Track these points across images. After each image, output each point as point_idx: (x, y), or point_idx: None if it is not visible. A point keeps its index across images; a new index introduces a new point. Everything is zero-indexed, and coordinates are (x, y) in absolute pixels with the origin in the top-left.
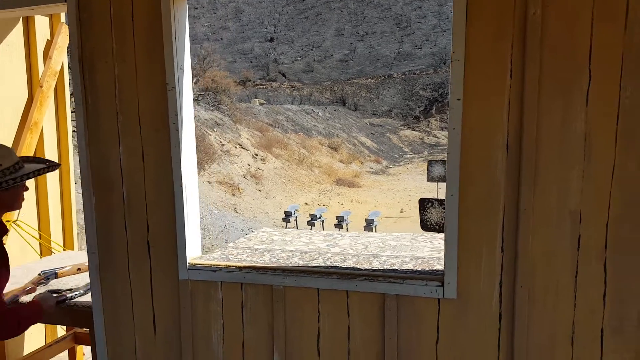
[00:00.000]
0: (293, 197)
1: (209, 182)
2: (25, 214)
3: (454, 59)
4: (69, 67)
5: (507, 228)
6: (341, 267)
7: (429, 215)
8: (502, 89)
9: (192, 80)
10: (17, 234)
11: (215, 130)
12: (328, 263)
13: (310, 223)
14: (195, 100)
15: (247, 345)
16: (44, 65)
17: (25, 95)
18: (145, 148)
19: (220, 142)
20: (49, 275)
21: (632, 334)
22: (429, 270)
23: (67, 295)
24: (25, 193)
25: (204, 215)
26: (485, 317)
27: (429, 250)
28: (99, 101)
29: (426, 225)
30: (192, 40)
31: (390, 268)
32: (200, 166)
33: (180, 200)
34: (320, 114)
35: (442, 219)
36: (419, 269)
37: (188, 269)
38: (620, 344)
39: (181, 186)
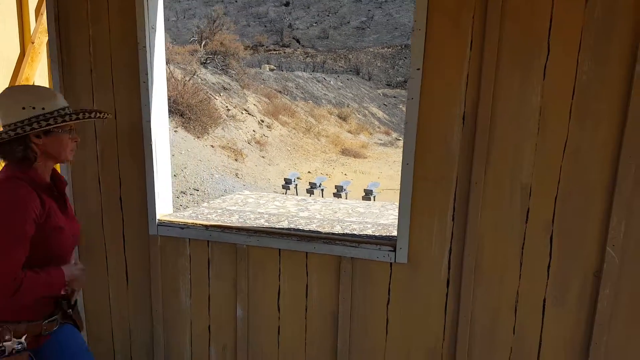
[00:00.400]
0: (297, 165)
1: (212, 146)
2: None
3: (416, 28)
4: None
5: (458, 198)
6: (302, 230)
7: None
8: (461, 60)
9: (201, 44)
10: None
11: (221, 94)
12: (292, 226)
13: (310, 191)
14: (202, 63)
15: (212, 299)
16: (36, 21)
17: (18, 52)
18: (118, 105)
19: (226, 106)
20: None
21: (572, 306)
22: (384, 235)
23: None
24: None
25: (205, 178)
26: (434, 282)
27: (393, 218)
28: (75, 59)
29: None
30: (206, 2)
31: (350, 233)
32: (204, 130)
33: (150, 157)
34: (332, 82)
35: None
36: (377, 234)
37: (157, 224)
38: (561, 314)
39: (150, 144)
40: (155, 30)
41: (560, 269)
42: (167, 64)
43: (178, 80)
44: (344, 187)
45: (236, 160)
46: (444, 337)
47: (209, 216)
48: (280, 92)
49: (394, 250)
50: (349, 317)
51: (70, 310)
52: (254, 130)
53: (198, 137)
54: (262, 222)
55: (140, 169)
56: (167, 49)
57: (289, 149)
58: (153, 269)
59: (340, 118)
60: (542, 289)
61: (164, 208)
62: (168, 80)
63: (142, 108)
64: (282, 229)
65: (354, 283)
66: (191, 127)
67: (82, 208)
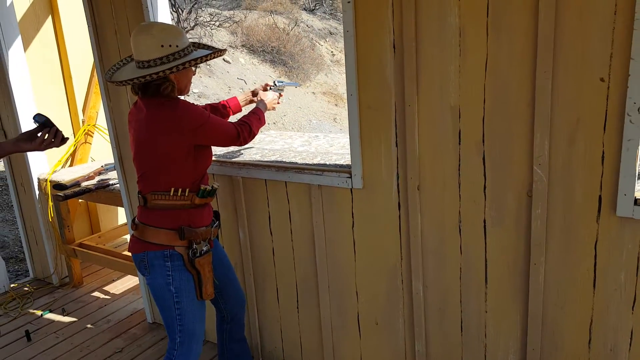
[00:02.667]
0: None
1: (313, 93)
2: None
3: None
4: None
5: (399, 124)
6: (281, 162)
7: None
8: None
9: None
10: (99, 136)
11: (327, 40)
12: (278, 158)
13: None
14: (311, 11)
15: (222, 224)
16: None
17: None
18: None
19: (331, 52)
20: (109, 167)
21: (510, 226)
22: (343, 164)
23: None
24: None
25: (303, 124)
26: (387, 205)
27: None
28: (103, 23)
29: None
30: None
31: (320, 163)
32: (307, 77)
33: None
34: None
35: None
36: (342, 163)
37: None
38: (501, 235)
39: None
40: None
41: (495, 189)
42: (270, 14)
43: (280, 29)
44: None
45: (336, 105)
46: (401, 256)
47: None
48: None
49: (351, 177)
50: (323, 239)
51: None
52: None
53: (300, 85)
54: (253, 156)
55: None
56: (271, 0)
57: None
58: None
59: None
60: (481, 209)
61: None
62: (272, 31)
63: None
64: (265, 161)
65: (324, 208)
66: (294, 75)
67: (125, 149)
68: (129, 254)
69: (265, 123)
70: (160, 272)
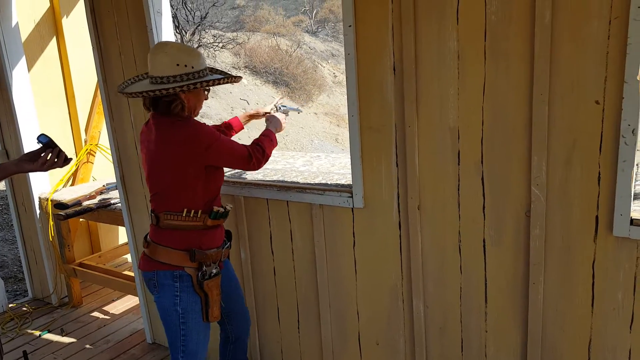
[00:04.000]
0: None
1: (315, 113)
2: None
3: None
4: None
5: (399, 145)
6: (283, 181)
7: None
8: (385, 13)
9: (313, 13)
10: (102, 155)
11: (329, 61)
12: (280, 178)
13: None
14: (313, 33)
15: None
16: None
17: None
18: None
19: (334, 73)
20: (110, 187)
21: (509, 246)
22: (344, 184)
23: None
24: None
25: (305, 145)
26: (388, 224)
27: None
28: (107, 44)
29: None
30: None
31: (322, 182)
32: (309, 98)
33: None
34: None
35: None
36: (345, 182)
37: None
38: (500, 254)
39: None
40: (162, 15)
41: (493, 209)
42: (273, 37)
43: (283, 51)
44: None
45: (338, 125)
46: (402, 275)
47: None
48: None
49: (352, 197)
50: (324, 259)
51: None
52: None
53: (302, 106)
54: (255, 176)
55: None
56: (274, 22)
57: None
58: None
59: None
60: (480, 229)
61: None
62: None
63: None
64: (267, 181)
65: (325, 228)
66: (296, 96)
67: (127, 168)
68: (130, 273)
69: (277, 144)
70: (168, 292)
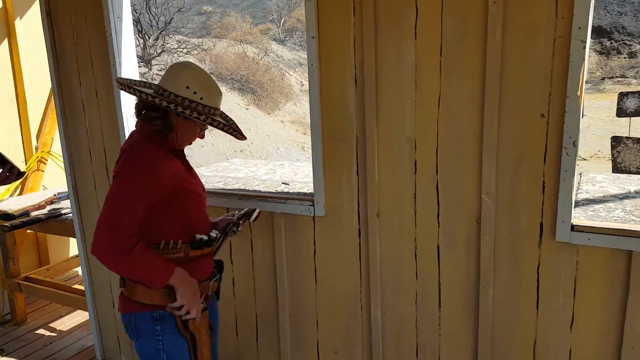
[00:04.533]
0: None
1: (281, 121)
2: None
3: (306, 0)
4: None
5: (360, 154)
6: (245, 190)
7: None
8: (348, 26)
9: (281, 21)
10: (54, 163)
11: (297, 70)
12: (241, 186)
13: None
14: (281, 41)
15: None
16: None
17: None
18: (98, 86)
19: (301, 81)
20: (62, 196)
21: (462, 252)
22: (306, 192)
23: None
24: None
25: (270, 152)
26: (348, 232)
27: None
28: (63, 48)
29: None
30: None
31: (284, 191)
32: (275, 106)
33: (123, 133)
34: None
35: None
36: (307, 191)
37: None
38: (453, 260)
39: (123, 119)
40: (122, 20)
41: (447, 217)
42: (240, 44)
43: (250, 58)
44: None
45: (304, 134)
46: (361, 283)
47: None
48: None
49: (313, 205)
50: (285, 268)
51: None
52: None
53: (269, 114)
54: (215, 184)
55: (117, 142)
56: (241, 29)
57: None
58: None
59: None
60: (435, 236)
61: None
62: (241, 59)
63: (114, 89)
64: (228, 189)
65: (286, 236)
66: (262, 104)
67: (79, 176)
68: (80, 287)
69: (150, 284)
70: (149, 336)
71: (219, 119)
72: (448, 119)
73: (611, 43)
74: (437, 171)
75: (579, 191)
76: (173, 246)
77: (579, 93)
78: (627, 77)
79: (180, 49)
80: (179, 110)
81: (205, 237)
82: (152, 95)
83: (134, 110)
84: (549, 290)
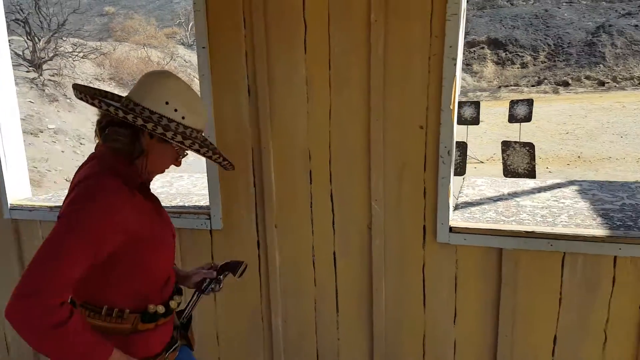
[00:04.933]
0: None
1: None
2: None
3: (196, 10)
4: None
5: (256, 165)
6: None
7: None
8: (239, 39)
9: (189, 25)
10: None
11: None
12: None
13: None
14: (189, 46)
15: None
16: None
17: None
18: None
19: None
20: None
21: (356, 257)
22: (201, 205)
23: None
24: None
25: None
26: (247, 245)
27: None
28: None
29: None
30: None
31: (180, 205)
32: None
33: None
34: None
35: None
36: (203, 204)
37: (10, 209)
38: (348, 265)
39: None
40: None
41: (341, 224)
42: (144, 47)
43: (154, 63)
44: None
45: None
46: (261, 293)
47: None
48: None
49: (210, 218)
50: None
51: (186, 330)
52: None
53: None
54: None
55: None
56: (144, 33)
57: None
58: (10, 251)
59: None
60: (330, 243)
61: (21, 192)
62: (145, 64)
63: None
64: None
65: (182, 251)
66: None
67: None
68: None
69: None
70: None
71: (205, 145)
72: (339, 131)
73: (506, 54)
74: (330, 181)
75: (460, 195)
76: (118, 315)
77: (451, 106)
78: (520, 86)
79: (76, 53)
80: (158, 132)
81: (161, 309)
82: (123, 109)
83: (95, 127)
84: (434, 288)
